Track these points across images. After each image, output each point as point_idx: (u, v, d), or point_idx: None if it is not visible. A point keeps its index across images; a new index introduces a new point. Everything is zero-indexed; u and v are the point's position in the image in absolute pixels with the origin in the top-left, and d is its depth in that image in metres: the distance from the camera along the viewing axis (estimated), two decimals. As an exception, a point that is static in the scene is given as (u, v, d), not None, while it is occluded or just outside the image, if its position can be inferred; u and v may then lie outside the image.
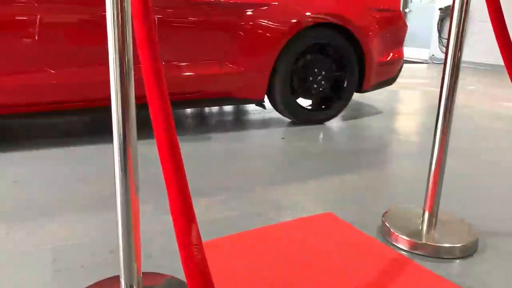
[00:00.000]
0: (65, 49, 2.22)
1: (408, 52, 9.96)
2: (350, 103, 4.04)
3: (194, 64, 2.55)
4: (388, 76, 3.42)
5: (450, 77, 1.38)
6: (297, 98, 3.05)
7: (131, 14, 0.84)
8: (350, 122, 3.30)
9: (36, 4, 2.11)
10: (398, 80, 6.03)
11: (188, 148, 2.45)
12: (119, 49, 0.87)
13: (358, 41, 3.03)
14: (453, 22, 1.35)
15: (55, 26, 2.18)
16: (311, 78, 2.98)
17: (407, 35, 3.59)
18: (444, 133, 1.41)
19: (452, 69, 1.37)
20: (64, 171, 2.01)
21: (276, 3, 2.75)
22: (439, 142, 1.42)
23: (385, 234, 1.50)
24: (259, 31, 2.70)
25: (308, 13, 2.82)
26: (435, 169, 1.45)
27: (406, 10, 9.85)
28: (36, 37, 2.13)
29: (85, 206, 1.66)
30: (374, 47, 3.14)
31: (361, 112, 3.71)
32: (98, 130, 2.82)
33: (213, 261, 1.31)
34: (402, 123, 3.37)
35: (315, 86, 3.00)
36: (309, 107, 3.18)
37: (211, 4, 2.56)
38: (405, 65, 8.28)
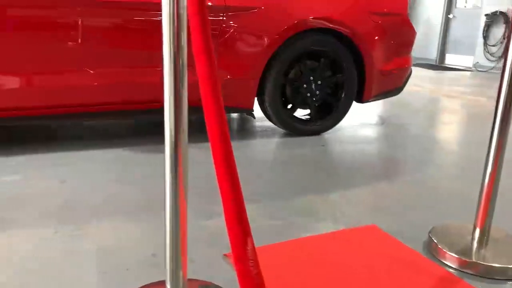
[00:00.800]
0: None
1: (451, 59, 9.68)
2: (389, 107, 3.97)
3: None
4: (393, 86, 3.16)
5: (509, 87, 1.30)
6: (291, 109, 2.91)
7: (187, 18, 0.84)
8: (391, 127, 3.23)
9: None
10: (442, 87, 5.87)
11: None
12: (174, 53, 0.87)
13: (358, 48, 2.83)
14: (512, 31, 1.28)
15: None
16: (305, 86, 2.81)
17: (450, 41, 3.36)
18: (500, 146, 1.34)
19: (510, 78, 1.30)
20: (110, 173, 2.06)
21: (263, 7, 2.58)
22: (493, 155, 1.36)
23: (432, 250, 1.44)
24: (245, 36, 2.56)
25: (302, 18, 2.65)
26: (488, 183, 1.38)
27: (450, 16, 9.57)
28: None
29: (129, 208, 1.68)
30: (376, 54, 2.91)
31: (399, 117, 3.62)
32: (143, 133, 2.87)
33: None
34: (443, 133, 3.27)
35: (309, 95, 2.82)
36: (307, 117, 2.99)
37: None
38: (448, 73, 8.06)
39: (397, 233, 1.57)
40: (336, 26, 2.74)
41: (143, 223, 1.57)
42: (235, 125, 3.22)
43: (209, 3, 2.48)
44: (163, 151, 2.40)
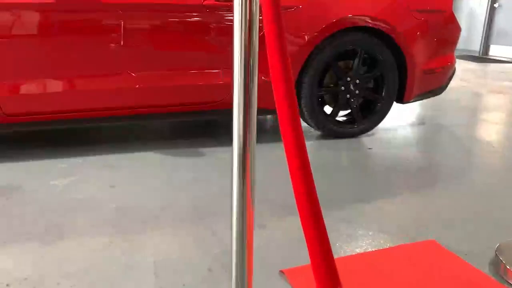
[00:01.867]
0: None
1: (496, 50, 9.28)
2: (431, 105, 3.82)
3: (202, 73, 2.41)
4: (435, 85, 3.02)
5: None
6: (332, 110, 2.80)
7: (263, 17, 0.80)
8: (435, 128, 3.10)
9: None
10: (488, 81, 5.62)
11: (263, 158, 2.42)
12: (244, 53, 0.84)
13: (399, 46, 2.70)
14: None
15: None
16: (342, 88, 2.70)
17: (494, 32, 3.16)
18: None
19: None
20: (160, 177, 2.06)
21: (301, 6, 2.49)
22: None
23: (499, 270, 1.36)
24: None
25: (340, 16, 2.55)
26: None
27: (495, 5, 9.14)
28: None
29: (181, 216, 1.67)
30: (418, 53, 2.78)
31: (443, 117, 3.48)
32: (184, 134, 2.87)
33: (303, 285, 1.25)
34: (494, 135, 3.11)
35: (348, 96, 2.71)
36: (345, 118, 2.90)
37: (216, 8, 2.35)
38: (493, 65, 7.71)
39: (457, 249, 1.49)
40: (377, 23, 2.64)
41: (196, 232, 1.55)
42: (267, 126, 3.17)
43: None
44: (205, 154, 2.41)
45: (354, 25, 2.61)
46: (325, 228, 0.64)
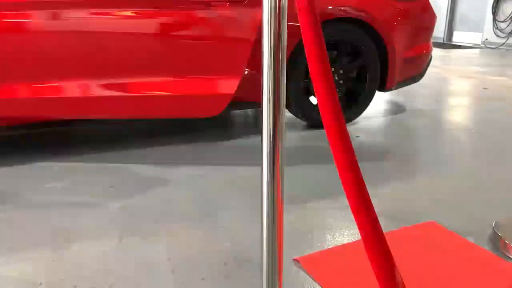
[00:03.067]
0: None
1: (459, 36, 9.59)
2: (410, 92, 3.93)
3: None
4: (415, 72, 3.15)
5: None
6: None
7: (298, 13, 0.82)
8: (417, 114, 3.21)
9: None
10: (456, 67, 5.82)
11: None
12: (274, 48, 0.86)
13: (380, 36, 2.78)
14: None
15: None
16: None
17: (457, 18, 3.29)
18: None
19: None
20: (160, 174, 2.05)
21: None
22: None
23: (499, 245, 1.44)
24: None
25: (320, 8, 2.58)
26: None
27: (457, -8, 9.45)
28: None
29: (188, 211, 1.68)
30: (398, 42, 2.87)
31: (421, 103, 3.59)
32: (189, 130, 2.85)
33: (319, 272, 1.29)
34: (472, 119, 3.24)
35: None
36: None
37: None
38: (458, 51, 7.98)
39: (456, 228, 1.57)
40: (358, 14, 2.70)
41: (205, 227, 1.56)
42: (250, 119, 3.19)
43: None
44: (206, 149, 2.40)
45: (336, 17, 2.66)
46: (374, 209, 0.67)
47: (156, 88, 2.20)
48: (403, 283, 0.65)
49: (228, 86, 2.24)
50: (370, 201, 0.67)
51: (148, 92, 2.19)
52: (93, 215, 1.65)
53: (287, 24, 0.89)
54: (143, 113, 2.27)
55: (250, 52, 2.22)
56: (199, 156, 2.30)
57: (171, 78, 2.21)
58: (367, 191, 0.67)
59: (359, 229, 0.66)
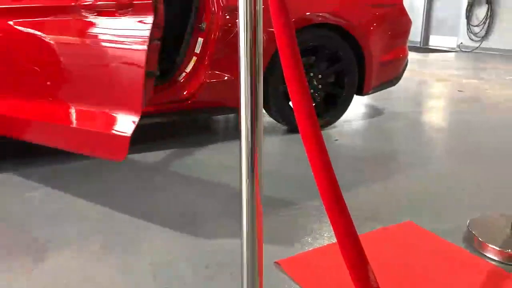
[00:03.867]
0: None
1: (435, 40, 9.79)
2: (387, 95, 4.01)
3: None
4: (392, 76, 3.21)
5: None
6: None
7: (274, 23, 0.83)
8: (393, 117, 3.27)
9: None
10: (432, 71, 5.95)
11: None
12: (250, 54, 0.87)
13: (357, 41, 2.83)
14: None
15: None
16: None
17: (433, 23, 3.35)
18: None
19: None
20: (137, 179, 2.04)
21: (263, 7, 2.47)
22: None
23: (472, 243, 1.48)
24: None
25: (299, 15, 2.60)
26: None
27: (432, -3, 9.66)
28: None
29: (169, 217, 1.68)
30: (375, 46, 2.93)
31: (398, 106, 3.67)
32: (164, 135, 2.84)
33: (300, 274, 1.31)
34: (446, 120, 3.32)
35: (311, 91, 2.80)
36: None
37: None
38: (434, 55, 8.15)
39: (433, 227, 1.61)
40: (334, 20, 2.74)
41: (186, 232, 1.57)
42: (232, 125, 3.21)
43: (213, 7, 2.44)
44: (180, 154, 2.40)
45: (314, 22, 2.70)
46: (347, 210, 0.69)
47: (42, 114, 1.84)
48: (377, 282, 0.67)
49: (125, 124, 1.70)
50: (344, 203, 0.69)
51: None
52: (73, 222, 1.64)
53: (269, 30, 0.91)
54: (42, 140, 1.92)
55: (143, 78, 1.65)
56: (180, 162, 2.31)
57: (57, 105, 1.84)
58: (341, 194, 0.69)
59: (334, 230, 0.68)
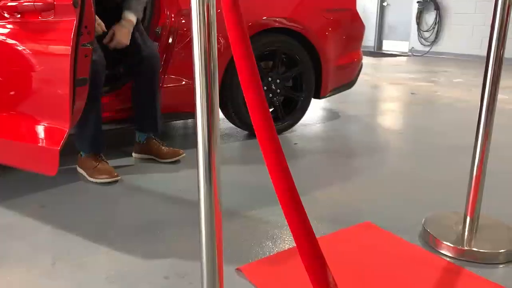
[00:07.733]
0: None
1: (388, 45, 10.12)
2: (343, 99, 4.10)
3: None
4: (347, 80, 3.27)
5: (492, 76, 1.38)
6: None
7: (228, 29, 0.82)
8: (351, 120, 3.34)
9: None
10: (386, 74, 6.13)
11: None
12: (204, 57, 0.86)
13: (313, 45, 2.86)
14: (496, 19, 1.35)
15: None
16: (265, 88, 2.75)
17: (385, 28, 3.43)
18: (486, 136, 1.44)
19: (494, 66, 1.37)
20: (91, 191, 1.97)
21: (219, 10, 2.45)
22: (480, 144, 1.45)
23: (427, 240, 1.53)
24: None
25: (254, 19, 2.62)
26: (476, 172, 1.48)
27: (384, 4, 9.98)
28: None
29: (124, 228, 1.63)
30: (330, 50, 2.97)
31: (354, 109, 3.75)
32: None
33: (261, 280, 1.31)
34: (401, 122, 3.43)
35: (270, 95, 2.81)
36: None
37: None
38: (387, 59, 8.42)
39: (391, 227, 1.64)
40: (290, 24, 2.76)
41: (143, 242, 1.52)
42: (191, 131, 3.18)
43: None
44: (134, 162, 2.34)
45: (271, 27, 2.72)
46: (305, 214, 0.69)
47: None
48: (336, 285, 0.68)
49: (54, 136, 1.61)
50: (302, 206, 0.68)
51: None
52: (23, 237, 1.56)
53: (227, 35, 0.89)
54: None
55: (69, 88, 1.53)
56: (137, 170, 2.25)
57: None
58: (298, 197, 0.69)
59: (293, 234, 0.68)
